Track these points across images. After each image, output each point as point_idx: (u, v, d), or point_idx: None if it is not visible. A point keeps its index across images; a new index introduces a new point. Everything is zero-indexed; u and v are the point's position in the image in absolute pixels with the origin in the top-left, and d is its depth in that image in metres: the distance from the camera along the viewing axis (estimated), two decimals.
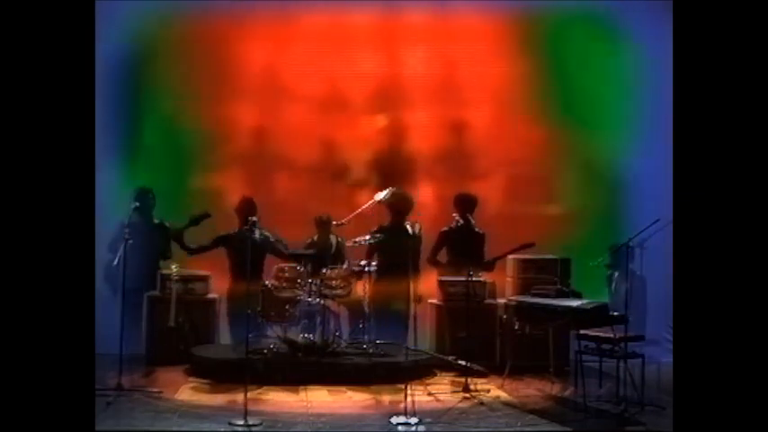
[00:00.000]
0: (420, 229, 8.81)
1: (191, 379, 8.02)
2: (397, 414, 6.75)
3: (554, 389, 7.86)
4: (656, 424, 6.74)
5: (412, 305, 8.36)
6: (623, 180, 9.60)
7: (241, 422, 6.47)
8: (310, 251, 8.74)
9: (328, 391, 7.69)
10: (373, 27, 9.72)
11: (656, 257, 8.39)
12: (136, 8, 9.28)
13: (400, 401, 6.87)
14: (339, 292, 8.45)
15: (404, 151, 9.79)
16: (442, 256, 9.11)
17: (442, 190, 9.62)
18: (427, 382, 8.07)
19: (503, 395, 7.66)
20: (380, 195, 8.82)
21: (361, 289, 8.58)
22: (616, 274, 8.92)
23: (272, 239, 8.51)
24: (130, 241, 7.65)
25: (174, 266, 8.64)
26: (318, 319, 8.29)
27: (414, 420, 6.64)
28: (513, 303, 8.16)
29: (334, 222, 8.87)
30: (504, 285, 8.94)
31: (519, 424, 6.76)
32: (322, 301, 8.30)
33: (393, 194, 8.81)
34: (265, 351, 8.11)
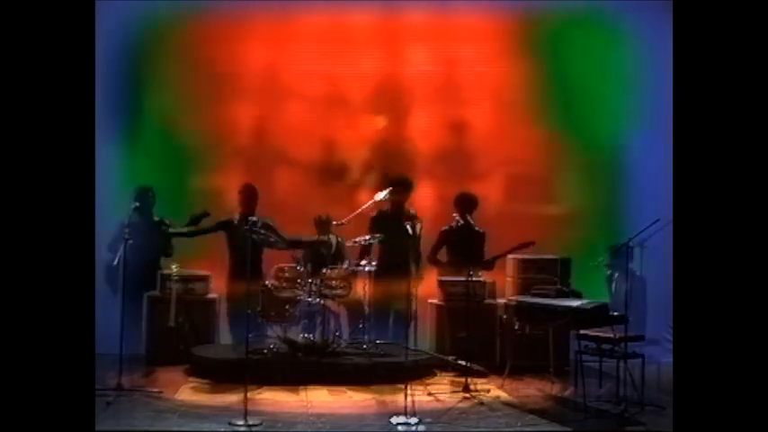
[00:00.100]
0: (421, 229, 8.81)
1: (191, 379, 8.02)
2: (397, 414, 6.74)
3: (554, 389, 7.86)
4: (656, 424, 6.74)
5: (413, 305, 8.38)
6: (623, 180, 9.60)
7: (241, 422, 6.47)
8: (311, 239, 8.72)
9: (328, 391, 7.69)
10: (373, 27, 9.73)
11: (656, 257, 8.39)
12: (136, 8, 9.28)
13: (400, 401, 6.86)
14: (339, 292, 8.46)
15: (404, 151, 9.78)
16: (442, 256, 9.12)
17: (442, 190, 9.62)
18: (427, 382, 8.07)
19: (503, 395, 7.66)
20: (380, 195, 8.82)
21: (361, 289, 8.59)
22: (616, 274, 8.92)
23: (272, 239, 8.49)
24: (130, 241, 7.65)
25: (174, 266, 8.64)
26: (318, 319, 8.29)
27: (414, 420, 6.64)
28: (513, 303, 8.15)
29: (334, 222, 8.87)
30: (504, 285, 8.94)
31: (519, 424, 6.76)
32: (322, 301, 8.30)
33: (392, 193, 8.80)
34: (265, 351, 8.11)
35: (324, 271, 8.48)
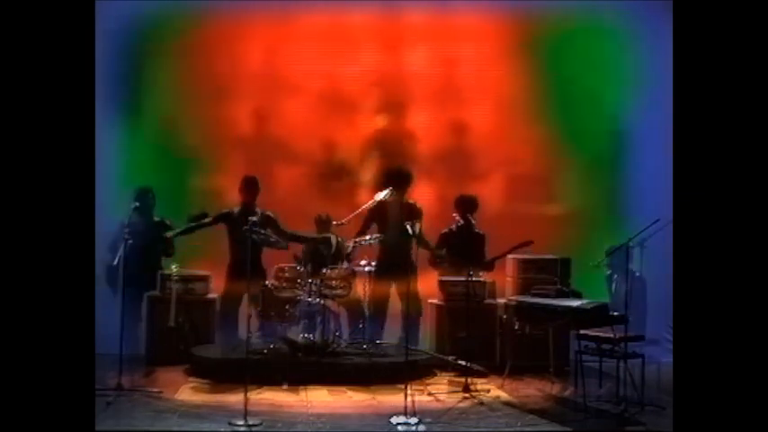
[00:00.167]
0: (421, 221, 8.82)
1: (191, 379, 8.02)
2: (397, 414, 6.74)
3: (554, 389, 7.86)
4: (656, 424, 6.74)
5: (423, 305, 8.40)
6: (623, 180, 9.61)
7: (241, 422, 6.47)
8: (311, 234, 8.71)
9: (328, 391, 7.69)
10: (373, 27, 9.73)
11: (656, 257, 8.40)
12: (136, 7, 9.28)
13: (400, 401, 6.86)
14: (339, 292, 8.46)
15: (404, 151, 9.78)
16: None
17: (442, 190, 9.62)
18: (427, 382, 8.07)
19: (503, 395, 7.66)
20: (380, 195, 8.82)
21: (361, 289, 8.59)
22: (615, 274, 8.93)
23: (272, 239, 8.50)
24: (130, 241, 7.65)
25: (174, 266, 8.64)
26: (318, 319, 8.28)
27: (414, 420, 6.64)
28: (513, 303, 8.15)
29: (334, 222, 8.88)
30: (504, 285, 8.94)
31: (519, 424, 6.75)
32: (322, 301, 8.30)
33: (392, 193, 8.80)
34: (265, 351, 8.11)
35: (324, 271, 8.48)
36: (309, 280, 8.38)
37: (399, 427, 6.58)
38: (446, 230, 9.05)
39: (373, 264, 8.59)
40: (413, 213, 8.66)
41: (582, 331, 7.42)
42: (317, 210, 9.03)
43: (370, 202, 8.89)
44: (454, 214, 9.02)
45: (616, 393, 7.21)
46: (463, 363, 7.95)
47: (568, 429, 6.65)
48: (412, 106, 9.83)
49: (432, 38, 9.75)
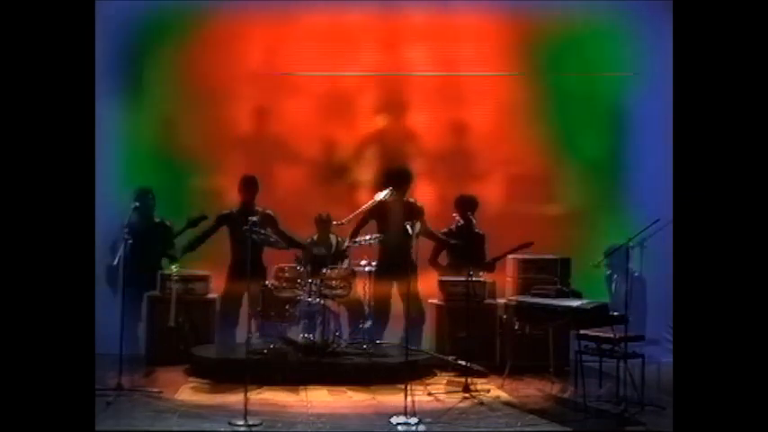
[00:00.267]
0: (424, 224, 8.84)
1: (191, 379, 8.01)
2: (397, 414, 6.74)
3: (554, 389, 7.86)
4: (656, 424, 6.74)
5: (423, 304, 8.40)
6: (623, 180, 9.61)
7: (241, 422, 6.47)
8: (314, 248, 8.72)
9: (328, 391, 7.69)
10: (373, 27, 9.73)
11: (656, 257, 8.39)
12: (136, 7, 9.28)
13: (400, 401, 6.86)
14: (339, 292, 8.46)
15: (404, 151, 9.78)
16: (443, 259, 9.12)
17: (442, 190, 9.62)
18: (427, 382, 8.07)
19: (503, 395, 7.66)
20: (380, 195, 8.82)
21: (361, 289, 8.59)
22: (615, 274, 8.92)
23: (272, 239, 8.50)
24: (130, 241, 7.64)
25: (174, 266, 8.64)
26: (318, 319, 8.28)
27: (414, 420, 6.64)
28: (513, 303, 8.15)
29: (334, 222, 8.88)
30: (504, 285, 8.94)
31: (519, 424, 6.76)
32: (322, 301, 8.30)
33: (392, 193, 8.81)
34: (265, 351, 8.11)
35: (324, 271, 8.48)
36: (309, 280, 8.38)
37: (399, 427, 6.58)
38: (446, 230, 9.05)
39: (373, 264, 8.59)
40: (413, 212, 8.67)
41: (582, 331, 7.42)
42: (317, 210, 9.03)
43: (370, 201, 8.89)
44: (454, 214, 9.02)
45: (616, 393, 7.21)
46: (463, 363, 7.95)
47: (568, 429, 6.65)
48: (412, 106, 9.82)
49: (432, 38, 9.74)
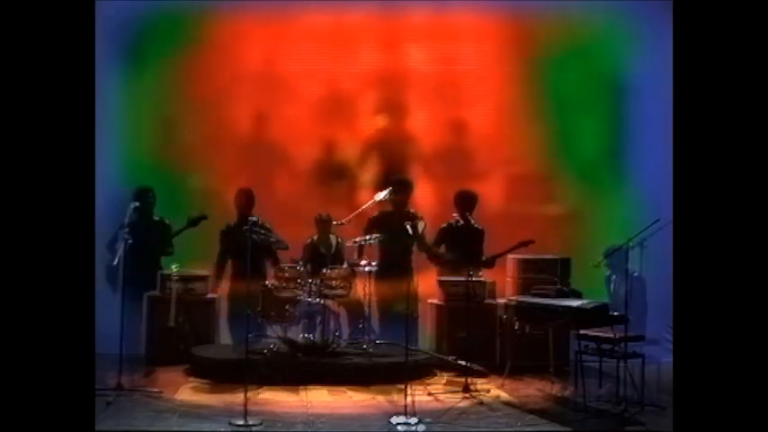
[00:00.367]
0: (424, 228, 8.84)
1: (191, 379, 8.02)
2: (397, 414, 6.74)
3: (554, 389, 7.86)
4: (656, 424, 6.74)
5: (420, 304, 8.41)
6: (623, 180, 9.60)
7: (241, 422, 6.47)
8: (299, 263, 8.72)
9: (328, 391, 7.69)
10: (373, 26, 9.72)
11: (656, 257, 8.39)
12: (136, 7, 9.28)
13: (400, 401, 6.86)
14: (339, 292, 8.46)
15: (404, 151, 9.78)
16: (442, 250, 9.11)
17: (442, 189, 9.61)
18: (427, 382, 8.07)
19: (503, 395, 7.66)
20: (380, 195, 8.82)
21: (361, 289, 8.59)
22: (615, 275, 8.92)
23: (272, 239, 8.50)
24: (130, 241, 7.64)
25: (174, 266, 8.64)
26: (318, 319, 8.28)
27: (414, 420, 6.64)
28: (513, 303, 8.15)
29: (334, 222, 8.88)
30: (504, 285, 8.94)
31: (519, 424, 6.76)
32: (322, 301, 8.30)
33: (392, 193, 8.82)
34: (265, 351, 8.11)
35: (324, 271, 8.48)
36: (309, 280, 8.38)
37: (399, 427, 6.58)
38: (445, 225, 9.06)
39: (374, 264, 8.59)
40: (415, 229, 8.64)
41: (582, 331, 7.42)
42: (317, 210, 9.02)
43: (370, 201, 8.89)
44: (454, 214, 9.03)
45: (616, 393, 7.21)
46: (463, 363, 7.95)
47: (568, 429, 6.65)
48: (411, 106, 9.82)
49: (431, 37, 9.74)
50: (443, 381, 8.14)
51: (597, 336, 7.29)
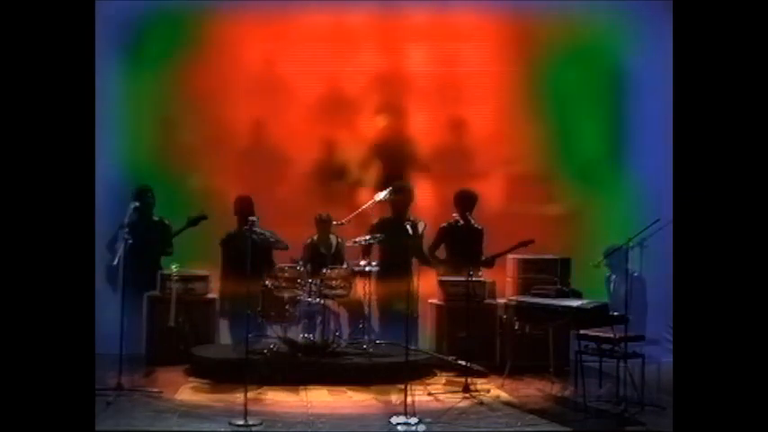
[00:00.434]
0: (424, 228, 8.85)
1: (191, 379, 8.02)
2: (397, 414, 6.74)
3: (554, 389, 7.86)
4: (656, 424, 6.74)
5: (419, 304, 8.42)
6: (623, 180, 9.60)
7: (241, 422, 6.47)
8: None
9: (328, 391, 7.70)
10: (373, 26, 9.72)
11: (656, 257, 8.39)
12: (136, 7, 9.28)
13: (400, 401, 6.86)
14: (339, 292, 8.46)
15: (404, 150, 9.78)
16: (441, 253, 9.12)
17: (441, 189, 9.61)
18: (427, 382, 8.07)
19: (503, 395, 7.66)
20: (380, 195, 8.82)
21: (361, 289, 8.59)
22: (614, 275, 8.92)
23: (272, 239, 8.50)
24: (130, 241, 7.64)
25: (174, 266, 8.64)
26: (318, 319, 8.28)
27: (414, 420, 6.64)
28: (513, 303, 8.15)
29: (334, 222, 8.88)
30: (504, 285, 8.94)
31: (519, 424, 6.76)
32: (322, 301, 8.30)
33: (392, 193, 8.82)
34: (265, 351, 8.11)
35: (324, 271, 8.48)
36: (309, 280, 8.38)
37: (399, 427, 6.58)
38: (445, 225, 9.06)
39: (374, 264, 8.59)
40: (415, 229, 8.64)
41: (582, 331, 7.42)
42: (317, 210, 9.02)
43: (370, 201, 8.89)
44: (454, 214, 9.03)
45: (616, 393, 7.21)
46: (463, 363, 7.95)
47: (568, 429, 6.65)
48: (412, 106, 9.82)
49: (431, 37, 9.74)
50: (443, 381, 8.14)
51: (597, 336, 7.29)
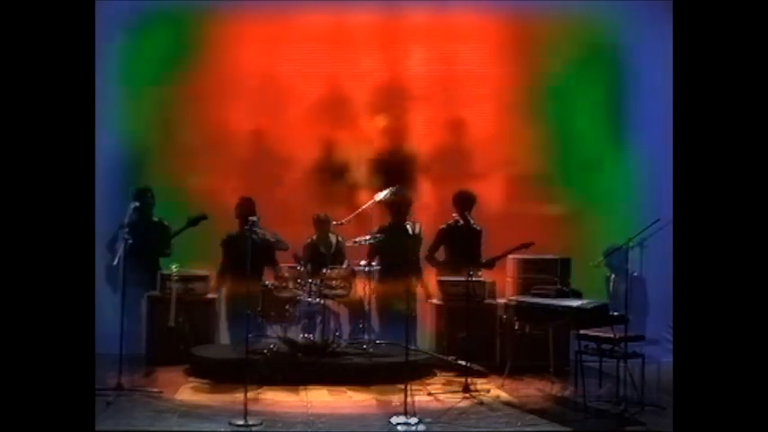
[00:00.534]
0: (420, 229, 8.86)
1: (191, 379, 8.02)
2: (397, 414, 6.74)
3: (554, 389, 7.86)
4: (656, 424, 6.74)
5: (417, 304, 8.39)
6: (623, 180, 9.60)
7: (241, 422, 6.47)
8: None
9: (328, 391, 7.70)
10: (373, 27, 9.72)
11: (656, 257, 8.39)
12: (135, 8, 9.29)
13: (400, 401, 6.86)
14: (339, 292, 8.46)
15: (403, 151, 9.78)
16: (440, 254, 9.12)
17: (441, 189, 9.62)
18: (427, 382, 8.07)
19: (503, 395, 7.66)
20: (380, 195, 8.82)
21: (362, 289, 8.59)
22: (614, 275, 8.92)
23: (272, 240, 8.50)
24: (130, 241, 7.64)
25: (174, 266, 8.64)
26: (318, 319, 8.28)
27: (414, 420, 6.64)
28: (513, 303, 8.15)
29: (334, 222, 8.88)
30: (504, 285, 8.94)
31: (519, 424, 6.76)
32: (322, 301, 8.30)
33: (392, 194, 8.83)
34: (265, 351, 8.11)
35: (324, 271, 8.48)
36: (309, 280, 8.38)
37: (399, 427, 6.58)
38: (444, 226, 9.06)
39: (374, 264, 8.59)
40: (414, 235, 8.64)
41: (582, 331, 7.42)
42: (317, 210, 9.02)
43: (370, 202, 8.89)
44: (454, 214, 9.03)
45: (616, 393, 7.21)
46: (463, 363, 7.95)
47: (568, 429, 6.65)
48: (411, 106, 9.82)
49: (431, 37, 9.74)
50: (443, 381, 8.13)
51: (597, 336, 7.29)
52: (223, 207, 9.09)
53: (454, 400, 7.43)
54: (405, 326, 7.28)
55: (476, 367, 8.04)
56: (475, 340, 8.13)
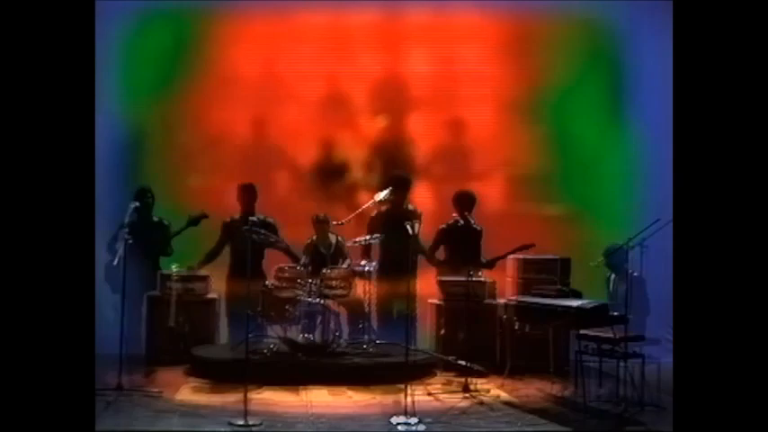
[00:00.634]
0: (419, 228, 8.85)
1: (191, 379, 8.02)
2: (397, 414, 6.74)
3: (554, 389, 7.85)
4: (656, 424, 6.74)
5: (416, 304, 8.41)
6: (623, 180, 9.60)
7: (241, 422, 6.47)
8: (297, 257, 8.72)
9: (328, 391, 7.69)
10: (373, 27, 9.72)
11: (656, 257, 8.39)
12: (135, 8, 9.29)
13: (400, 401, 6.86)
14: (339, 292, 8.45)
15: (403, 151, 9.78)
16: (440, 254, 9.12)
17: (441, 190, 9.61)
18: (427, 382, 8.07)
19: (503, 395, 7.66)
20: (380, 195, 8.82)
21: (362, 289, 8.59)
22: (614, 275, 8.92)
23: (272, 239, 8.51)
24: (130, 241, 7.64)
25: (174, 266, 8.64)
26: (318, 319, 8.28)
27: (414, 420, 6.63)
28: (513, 303, 8.15)
29: (334, 222, 8.88)
30: (504, 285, 8.94)
31: (519, 424, 6.76)
32: (322, 301, 8.30)
33: (392, 193, 8.82)
34: (265, 351, 8.10)
35: (324, 271, 8.48)
36: (309, 280, 8.37)
37: (399, 427, 6.57)
38: (444, 226, 9.06)
39: (374, 264, 8.59)
40: (413, 218, 8.64)
41: (582, 331, 7.42)
42: (317, 210, 9.02)
43: (370, 201, 8.89)
44: (454, 214, 9.03)
45: (616, 393, 7.21)
46: (463, 363, 7.95)
47: (568, 429, 6.65)
48: (411, 106, 9.82)
49: (431, 38, 9.74)
50: (443, 381, 8.13)
51: (597, 336, 7.29)
52: (223, 207, 9.08)
53: (454, 400, 7.44)
54: (405, 326, 7.28)
55: (476, 367, 8.03)
56: (475, 340, 8.09)
